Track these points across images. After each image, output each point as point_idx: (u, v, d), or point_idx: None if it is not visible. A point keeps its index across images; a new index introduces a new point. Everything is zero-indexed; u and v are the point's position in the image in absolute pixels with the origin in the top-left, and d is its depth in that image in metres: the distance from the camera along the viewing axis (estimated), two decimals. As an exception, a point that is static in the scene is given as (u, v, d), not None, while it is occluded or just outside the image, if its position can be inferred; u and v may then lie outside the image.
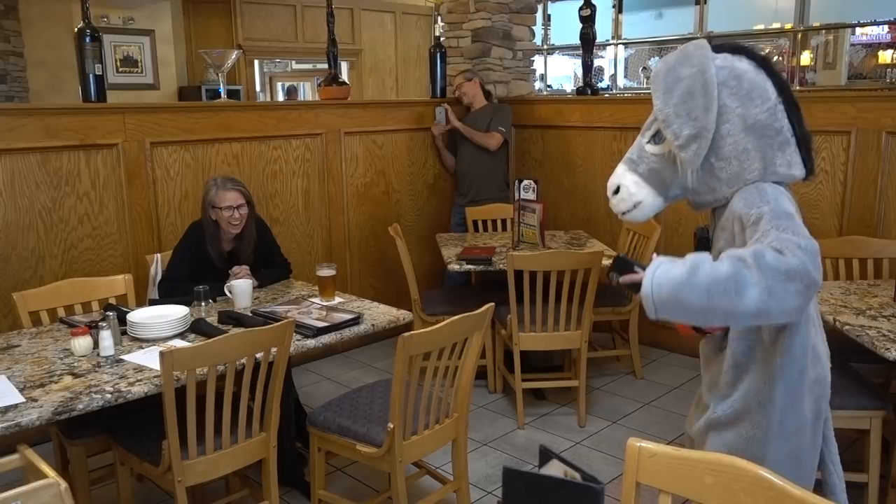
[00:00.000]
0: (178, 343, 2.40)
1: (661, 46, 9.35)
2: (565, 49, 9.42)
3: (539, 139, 4.87)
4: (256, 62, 8.63)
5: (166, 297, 2.86)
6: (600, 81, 9.29)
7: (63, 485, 1.45)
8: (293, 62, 9.58)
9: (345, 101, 4.39)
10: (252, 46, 8.05)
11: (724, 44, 1.68)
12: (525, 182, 3.80)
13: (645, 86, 9.48)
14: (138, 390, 2.07)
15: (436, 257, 4.19)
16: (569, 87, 10.23)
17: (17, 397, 1.98)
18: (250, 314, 2.68)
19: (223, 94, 4.12)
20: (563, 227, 4.65)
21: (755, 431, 1.65)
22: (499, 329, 3.64)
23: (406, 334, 2.16)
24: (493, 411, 3.64)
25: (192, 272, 2.95)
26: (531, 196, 3.77)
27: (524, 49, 5.23)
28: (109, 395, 2.02)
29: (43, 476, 1.50)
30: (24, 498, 1.39)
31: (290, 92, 9.79)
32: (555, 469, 1.21)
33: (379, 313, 2.74)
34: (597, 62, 8.10)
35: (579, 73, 6.33)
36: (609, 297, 3.86)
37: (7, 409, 1.91)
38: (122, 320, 2.49)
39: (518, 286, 3.27)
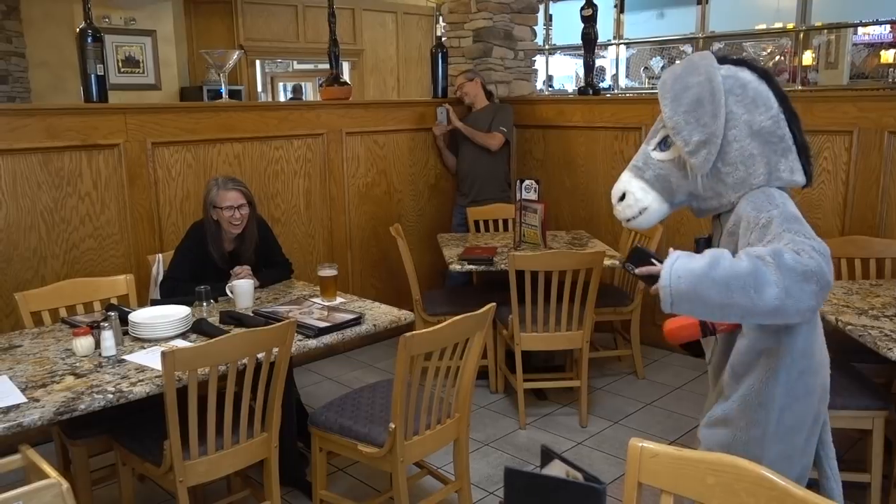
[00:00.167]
0: (180, 343, 2.40)
1: (663, 46, 9.34)
2: (567, 49, 9.42)
3: (540, 139, 4.87)
4: (258, 62, 8.65)
5: (168, 297, 2.86)
6: (602, 81, 9.29)
7: (65, 485, 1.45)
8: (294, 62, 9.60)
9: (346, 102, 4.39)
10: (253, 47, 8.06)
11: (726, 56, 1.74)
12: (526, 182, 3.80)
13: (647, 86, 9.48)
14: (140, 390, 2.07)
15: (437, 257, 4.19)
16: (570, 86, 10.24)
17: (18, 397, 1.98)
18: (252, 314, 2.68)
19: (224, 95, 4.12)
20: (564, 227, 4.64)
21: (753, 430, 1.66)
22: (500, 329, 3.64)
23: (407, 334, 2.16)
24: (495, 411, 3.64)
25: (194, 272, 2.95)
26: (532, 196, 3.77)
27: (526, 49, 5.23)
28: (111, 396, 2.02)
29: (45, 476, 1.50)
30: (25, 498, 1.39)
31: (296, 90, 9.80)
32: (556, 469, 1.21)
33: (380, 313, 2.74)
34: (598, 62, 8.10)
35: (581, 72, 6.33)
36: (611, 297, 3.86)
37: (9, 409, 1.91)
38: (123, 320, 2.49)
39: (519, 286, 3.27)
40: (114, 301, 2.89)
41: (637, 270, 1.63)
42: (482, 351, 2.46)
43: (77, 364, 2.25)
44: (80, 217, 3.35)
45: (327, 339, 2.50)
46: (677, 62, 1.79)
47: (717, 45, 8.29)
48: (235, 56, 3.96)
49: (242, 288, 2.81)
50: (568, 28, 7.65)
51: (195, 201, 3.62)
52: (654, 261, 1.60)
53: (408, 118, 4.62)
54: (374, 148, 4.47)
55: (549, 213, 4.20)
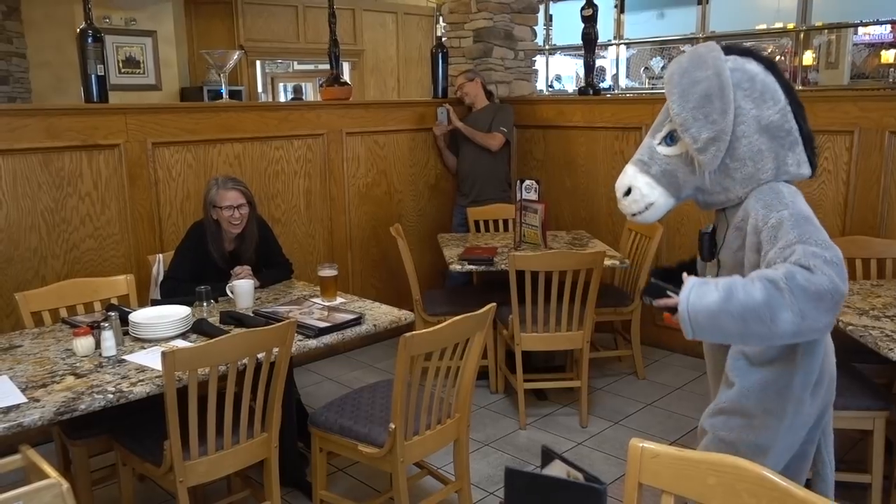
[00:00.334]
0: (180, 343, 2.40)
1: (663, 46, 9.34)
2: (567, 49, 9.42)
3: (541, 139, 4.87)
4: (258, 63, 8.65)
5: (168, 297, 2.86)
6: (602, 81, 9.28)
7: (65, 485, 1.45)
8: (295, 63, 9.59)
9: (346, 102, 4.39)
10: (254, 47, 8.06)
11: (732, 46, 1.71)
12: (527, 182, 3.79)
13: (647, 86, 9.48)
14: (140, 390, 2.07)
15: (437, 257, 4.19)
16: (570, 86, 10.24)
17: (19, 397, 1.98)
18: (252, 314, 2.68)
19: (225, 95, 4.12)
20: (564, 227, 4.64)
21: (769, 419, 1.66)
22: (500, 329, 3.64)
23: (408, 334, 2.15)
24: (495, 411, 3.63)
25: (194, 272, 2.95)
26: (533, 196, 3.76)
27: (526, 49, 5.22)
28: (111, 396, 2.02)
29: (45, 476, 1.50)
30: (26, 498, 1.39)
31: (297, 91, 9.80)
32: (557, 470, 1.21)
33: (380, 313, 2.74)
34: (599, 62, 8.10)
35: (581, 72, 6.33)
36: (611, 297, 3.86)
37: (9, 409, 1.91)
38: (124, 320, 2.49)
39: (520, 286, 3.27)
40: (114, 301, 2.89)
41: (655, 303, 1.67)
42: (482, 351, 2.46)
43: (77, 364, 2.24)
44: (80, 217, 3.35)
45: (327, 339, 2.49)
46: (683, 54, 1.74)
47: (717, 46, 8.27)
48: (236, 56, 3.96)
49: (243, 288, 2.81)
50: (568, 28, 7.65)
51: (195, 201, 3.62)
52: (670, 293, 1.62)
53: (408, 118, 4.62)
54: (375, 148, 4.47)
55: (550, 214, 4.20)
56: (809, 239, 1.50)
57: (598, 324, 3.82)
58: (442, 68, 4.89)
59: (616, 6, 8.52)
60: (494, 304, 2.42)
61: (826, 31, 8.01)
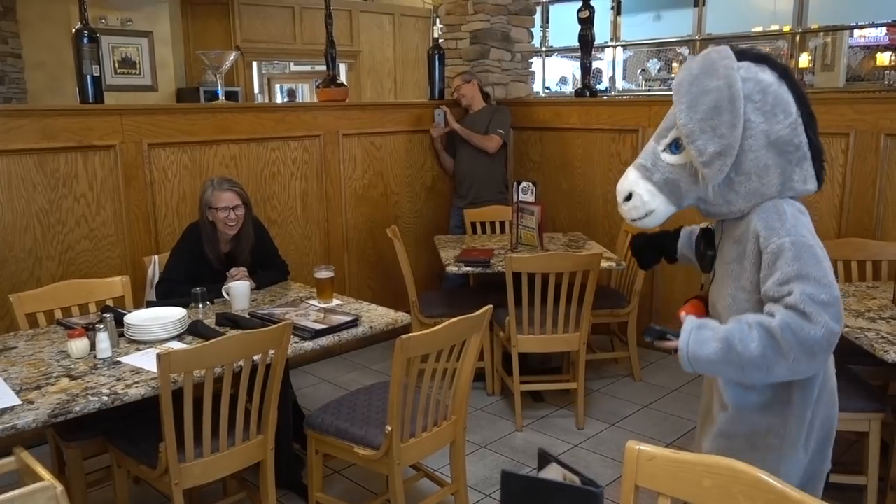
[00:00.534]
0: (176, 345, 2.40)
1: (660, 49, 9.36)
2: (564, 51, 9.43)
3: (537, 141, 4.87)
4: (255, 64, 8.64)
5: (164, 298, 2.85)
6: (599, 83, 9.30)
7: (59, 487, 1.44)
8: (291, 64, 9.59)
9: (343, 103, 4.39)
10: (250, 48, 8.05)
11: (745, 51, 1.64)
12: (523, 184, 3.80)
13: (643, 88, 9.49)
14: (135, 392, 2.06)
15: (434, 259, 4.19)
16: (566, 88, 10.25)
17: (13, 399, 1.97)
18: (248, 316, 2.67)
19: (221, 96, 4.11)
20: (561, 229, 4.64)
21: (775, 440, 1.66)
22: (497, 331, 3.64)
23: (404, 336, 2.15)
24: (492, 413, 3.63)
25: (190, 274, 2.94)
26: (530, 198, 3.76)
27: (523, 51, 5.22)
28: (106, 398, 2.01)
29: (39, 479, 1.49)
30: (20, 501, 1.39)
31: (291, 94, 9.80)
32: (553, 472, 1.21)
33: (377, 315, 2.74)
34: (595, 64, 8.11)
35: (577, 74, 6.34)
36: (607, 299, 3.86)
37: (3, 411, 1.90)
38: (119, 322, 2.48)
39: (516, 288, 3.27)
40: (109, 303, 2.88)
41: (656, 344, 1.70)
42: (479, 353, 2.46)
43: (72, 366, 2.24)
44: (75, 218, 3.34)
45: (323, 341, 2.49)
46: (694, 58, 1.66)
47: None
48: (232, 57, 3.95)
49: (239, 290, 2.80)
50: (565, 30, 7.66)
51: (191, 203, 3.61)
52: (669, 336, 1.66)
53: (405, 120, 4.62)
54: (371, 149, 4.47)
55: (546, 215, 4.20)
56: (808, 276, 1.48)
57: (595, 326, 3.82)
58: (438, 70, 4.89)
59: (613, 8, 8.55)
60: (491, 305, 2.41)
61: (822, 33, 8.04)
